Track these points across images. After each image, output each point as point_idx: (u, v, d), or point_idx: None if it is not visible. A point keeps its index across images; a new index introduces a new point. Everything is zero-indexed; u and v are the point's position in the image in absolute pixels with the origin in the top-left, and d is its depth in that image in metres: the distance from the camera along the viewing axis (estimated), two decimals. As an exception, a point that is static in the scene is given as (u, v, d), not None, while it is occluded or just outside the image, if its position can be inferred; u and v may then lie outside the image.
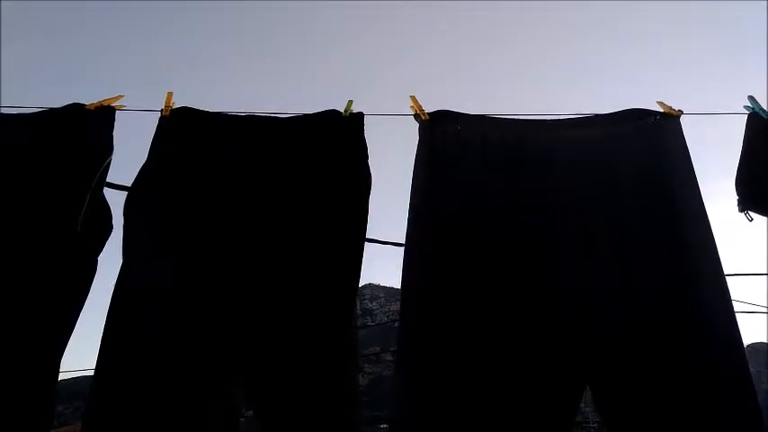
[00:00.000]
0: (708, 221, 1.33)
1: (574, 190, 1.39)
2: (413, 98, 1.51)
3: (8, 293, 1.26)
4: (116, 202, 1.42)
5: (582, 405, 1.28)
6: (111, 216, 1.41)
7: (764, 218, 1.43)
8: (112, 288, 1.30)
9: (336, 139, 1.45)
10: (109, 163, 1.44)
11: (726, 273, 1.30)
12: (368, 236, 1.41)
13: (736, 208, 1.44)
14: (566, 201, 1.38)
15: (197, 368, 1.23)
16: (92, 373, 1.26)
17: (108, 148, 1.44)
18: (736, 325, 1.24)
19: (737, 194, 1.44)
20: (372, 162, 1.43)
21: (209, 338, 1.25)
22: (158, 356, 1.23)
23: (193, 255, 1.33)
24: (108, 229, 1.41)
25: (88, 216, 1.36)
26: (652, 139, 1.43)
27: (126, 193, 1.42)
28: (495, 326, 1.26)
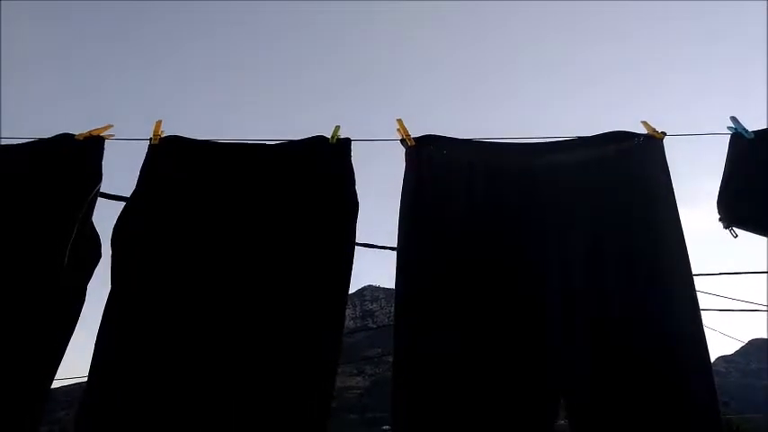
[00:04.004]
0: (685, 248, 1.35)
1: (558, 213, 1.40)
2: (399, 122, 1.52)
3: None
4: (106, 230, 1.44)
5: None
6: (100, 244, 1.42)
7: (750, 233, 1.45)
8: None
9: (323, 166, 1.46)
10: (98, 192, 1.45)
11: (727, 272, 1.34)
12: (367, 240, 1.43)
13: (720, 225, 1.46)
14: (550, 223, 1.40)
15: (186, 388, 1.25)
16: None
17: (97, 178, 1.45)
18: (706, 348, 1.28)
19: (719, 213, 1.46)
20: (372, 167, 1.44)
21: (197, 361, 1.27)
22: (148, 380, 1.25)
23: (182, 281, 1.34)
24: (97, 257, 1.42)
25: (77, 244, 1.37)
26: (635, 162, 1.45)
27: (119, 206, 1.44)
28: (481, 340, 1.29)
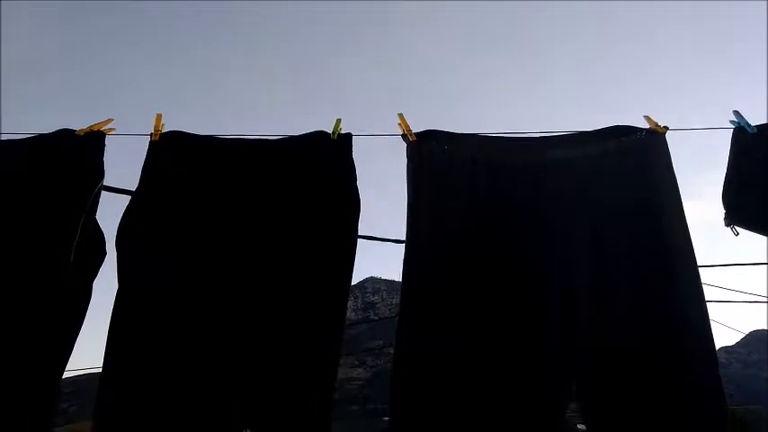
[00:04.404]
0: (691, 243, 1.35)
1: (561, 208, 1.40)
2: (401, 117, 1.51)
3: (2, 321, 1.28)
4: (110, 226, 1.44)
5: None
6: (104, 241, 1.42)
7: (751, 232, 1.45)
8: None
9: (325, 162, 1.46)
10: (101, 188, 1.45)
11: (728, 263, 1.33)
12: (369, 231, 1.43)
13: (723, 222, 1.45)
14: (553, 219, 1.39)
15: (191, 382, 1.26)
16: (94, 371, 1.29)
17: (99, 174, 1.45)
18: (713, 343, 1.28)
19: (724, 208, 1.45)
20: (375, 157, 1.44)
21: (202, 355, 1.28)
22: (155, 375, 1.26)
23: (187, 276, 1.35)
24: (102, 254, 1.42)
25: (82, 243, 1.37)
26: (637, 157, 1.44)
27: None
28: (484, 335, 1.29)
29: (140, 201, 1.43)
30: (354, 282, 1.43)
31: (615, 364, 1.26)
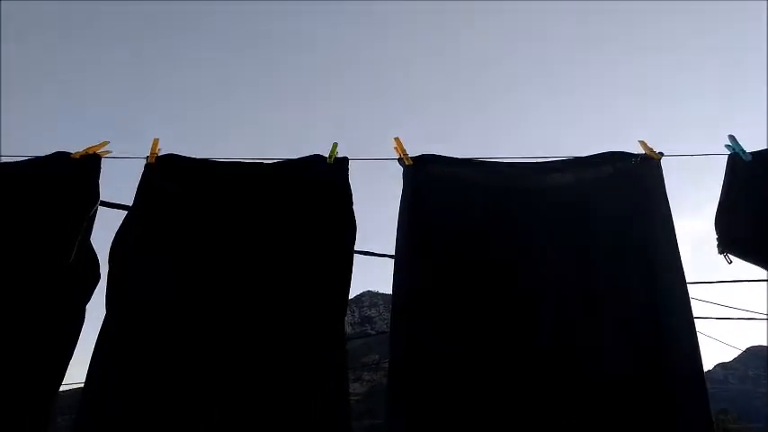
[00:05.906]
0: (681, 268, 1.35)
1: (553, 232, 1.41)
2: (397, 140, 1.52)
3: None
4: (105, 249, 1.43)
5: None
6: (98, 265, 1.42)
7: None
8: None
9: (321, 184, 1.46)
10: (96, 211, 1.44)
11: (725, 280, 1.32)
12: (366, 246, 1.43)
13: (716, 249, 1.44)
14: (546, 241, 1.40)
15: (181, 405, 1.24)
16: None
17: (94, 196, 1.45)
18: (702, 372, 1.27)
19: (717, 235, 1.44)
20: (371, 175, 1.44)
21: (192, 380, 1.27)
22: (142, 401, 1.24)
23: (181, 300, 1.34)
24: (95, 277, 1.41)
25: (75, 264, 1.36)
26: (631, 182, 1.45)
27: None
28: (474, 355, 1.29)
29: (135, 218, 1.42)
30: (351, 296, 1.43)
31: (603, 379, 1.25)
